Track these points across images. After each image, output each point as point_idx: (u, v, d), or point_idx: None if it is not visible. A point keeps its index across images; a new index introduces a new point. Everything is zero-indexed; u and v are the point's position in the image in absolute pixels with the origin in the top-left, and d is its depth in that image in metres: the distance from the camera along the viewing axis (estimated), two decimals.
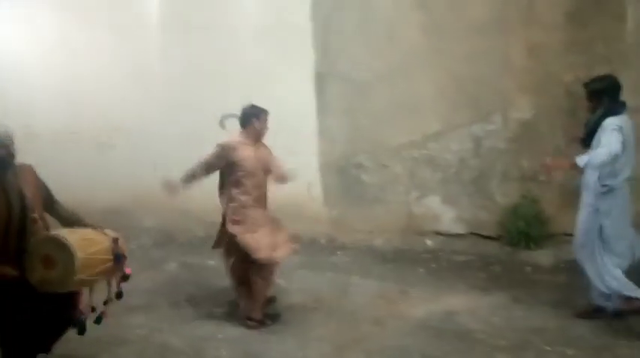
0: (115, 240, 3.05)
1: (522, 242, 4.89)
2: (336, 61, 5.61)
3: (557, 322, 3.63)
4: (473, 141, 5.21)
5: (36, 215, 2.92)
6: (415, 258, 5.12)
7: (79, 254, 2.76)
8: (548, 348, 3.30)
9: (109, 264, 3.01)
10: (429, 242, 5.36)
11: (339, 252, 5.42)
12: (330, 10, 5.58)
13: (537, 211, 4.93)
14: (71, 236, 2.86)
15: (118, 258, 3.04)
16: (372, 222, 5.68)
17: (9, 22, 6.71)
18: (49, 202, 3.22)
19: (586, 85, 3.59)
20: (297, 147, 5.27)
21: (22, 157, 7.73)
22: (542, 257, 4.73)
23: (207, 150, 3.86)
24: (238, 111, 3.87)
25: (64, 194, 7.13)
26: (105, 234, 3.08)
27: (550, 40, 4.84)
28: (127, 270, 3.16)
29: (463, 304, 4.04)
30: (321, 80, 5.67)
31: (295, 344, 3.54)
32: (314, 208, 5.76)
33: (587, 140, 3.52)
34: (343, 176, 5.71)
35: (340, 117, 5.67)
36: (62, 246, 2.76)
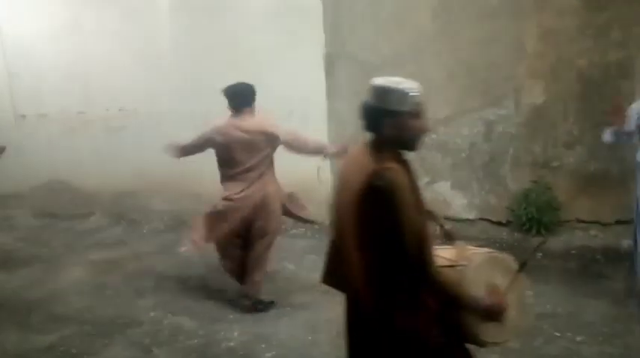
0: None
1: (533, 228, 4.87)
2: (346, 44, 5.56)
3: (568, 308, 3.63)
4: (484, 125, 5.17)
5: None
6: None
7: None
8: (558, 334, 3.30)
9: None
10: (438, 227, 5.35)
11: None
12: None
13: (549, 197, 4.89)
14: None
15: None
16: None
17: (20, 6, 6.72)
18: None
19: None
20: (306, 129, 5.24)
21: (31, 140, 7.84)
22: (553, 243, 4.70)
23: None
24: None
25: (75, 175, 7.25)
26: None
27: (564, 25, 4.76)
28: None
29: None
30: (331, 62, 5.62)
31: (305, 326, 3.58)
32: (323, 192, 5.76)
33: None
34: None
35: (350, 100, 5.63)
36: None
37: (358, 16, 5.47)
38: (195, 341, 3.48)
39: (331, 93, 5.65)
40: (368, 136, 1.92)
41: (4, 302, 4.23)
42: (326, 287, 4.20)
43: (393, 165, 1.80)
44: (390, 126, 1.84)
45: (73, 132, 6.68)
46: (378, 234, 1.80)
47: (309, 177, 5.61)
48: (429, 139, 5.37)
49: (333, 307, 3.87)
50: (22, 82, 6.87)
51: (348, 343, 2.06)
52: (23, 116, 6.99)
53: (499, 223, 5.17)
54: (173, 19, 6.09)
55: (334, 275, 2.06)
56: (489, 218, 5.24)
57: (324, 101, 5.65)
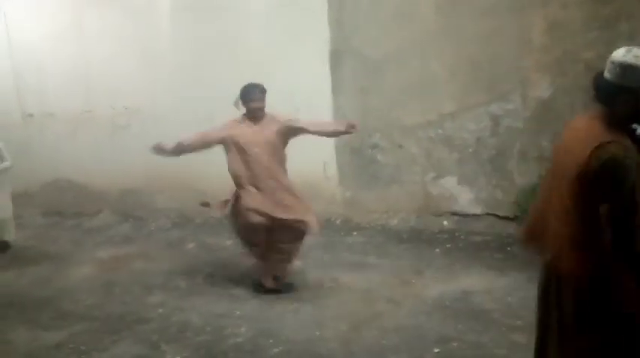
0: None
1: None
2: (351, 39, 5.54)
3: None
4: (490, 120, 5.14)
5: None
6: (431, 238, 5.11)
7: None
8: None
9: None
10: (445, 222, 5.34)
11: (354, 233, 5.44)
12: None
13: None
14: None
15: None
16: (388, 203, 5.67)
17: (26, 8, 6.75)
18: None
19: None
20: None
21: (38, 139, 7.86)
22: None
23: None
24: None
25: (79, 174, 7.29)
26: None
27: (569, 17, 4.72)
28: None
29: (479, 284, 4.04)
30: (336, 58, 5.61)
31: (312, 322, 3.59)
32: (329, 189, 5.77)
33: None
34: (358, 156, 5.69)
35: (355, 96, 5.63)
36: None
37: (362, 12, 5.45)
38: (203, 337, 3.49)
39: (336, 88, 5.65)
40: (598, 108, 1.92)
41: (14, 300, 4.26)
42: (333, 283, 4.22)
43: (620, 139, 1.82)
44: (625, 102, 1.84)
45: (80, 131, 6.72)
46: (597, 206, 1.83)
47: (316, 172, 5.66)
48: (435, 134, 5.37)
49: (340, 302, 3.90)
50: (29, 82, 6.91)
51: (542, 305, 2.15)
52: (30, 115, 7.03)
53: (506, 218, 5.15)
54: (175, 18, 6.10)
55: (535, 238, 2.21)
56: (496, 213, 5.23)
57: (329, 97, 5.65)
